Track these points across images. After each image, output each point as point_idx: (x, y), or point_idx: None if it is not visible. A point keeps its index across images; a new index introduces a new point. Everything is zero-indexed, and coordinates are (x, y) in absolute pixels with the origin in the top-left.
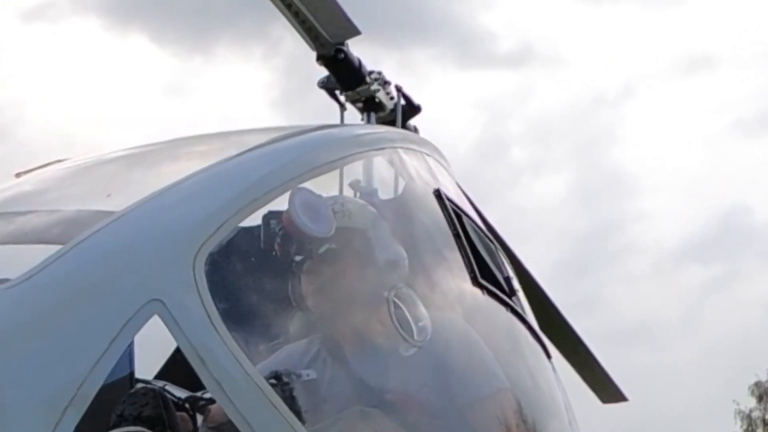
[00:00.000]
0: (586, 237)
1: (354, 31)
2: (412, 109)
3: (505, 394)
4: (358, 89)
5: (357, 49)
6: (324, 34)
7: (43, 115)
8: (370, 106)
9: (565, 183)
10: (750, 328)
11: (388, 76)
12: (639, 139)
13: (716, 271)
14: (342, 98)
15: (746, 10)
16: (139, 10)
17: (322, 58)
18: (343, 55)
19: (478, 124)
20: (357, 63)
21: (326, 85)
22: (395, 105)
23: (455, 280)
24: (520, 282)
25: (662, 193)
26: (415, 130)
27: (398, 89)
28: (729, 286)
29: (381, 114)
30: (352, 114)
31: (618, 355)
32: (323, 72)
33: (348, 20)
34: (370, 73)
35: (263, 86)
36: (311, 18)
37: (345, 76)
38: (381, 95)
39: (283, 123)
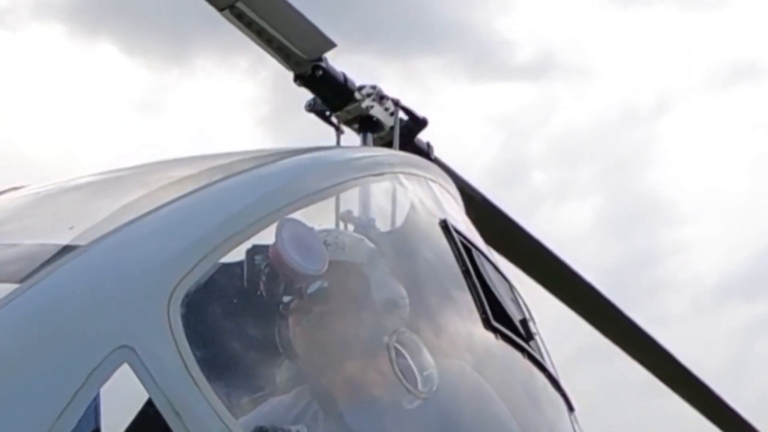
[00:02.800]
0: (617, 271)
1: (329, 44)
2: (416, 123)
3: None
4: (348, 108)
5: (344, 61)
6: (296, 51)
7: (6, 134)
8: (365, 126)
9: (593, 210)
10: None
11: (386, 90)
12: (676, 160)
13: (764, 309)
14: (335, 120)
15: None
16: (106, 14)
17: (299, 78)
18: (321, 72)
19: (494, 144)
20: (342, 78)
21: (314, 108)
22: (394, 122)
23: (465, 322)
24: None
25: (703, 221)
26: (429, 146)
27: (395, 103)
28: None
29: (381, 133)
30: (351, 136)
31: (653, 404)
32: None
33: (320, 33)
34: (361, 88)
35: (249, 102)
36: (277, 35)
37: (329, 95)
38: (377, 112)
39: (271, 145)
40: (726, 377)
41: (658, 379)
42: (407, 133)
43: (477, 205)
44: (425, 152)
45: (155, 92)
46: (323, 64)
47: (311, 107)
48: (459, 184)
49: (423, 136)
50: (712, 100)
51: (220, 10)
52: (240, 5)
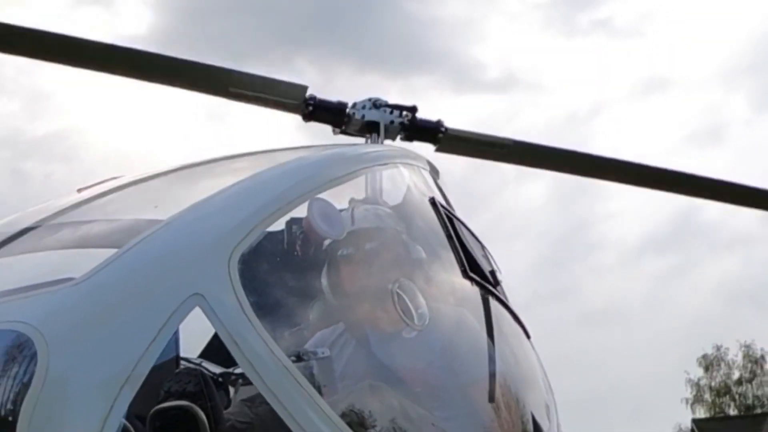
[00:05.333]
0: (564, 234)
1: (302, 88)
2: (410, 111)
3: (493, 368)
4: (348, 123)
5: (359, 80)
6: (286, 101)
7: (103, 139)
8: (367, 130)
9: (546, 189)
10: (699, 310)
11: (391, 99)
12: (606, 151)
13: (672, 261)
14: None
15: (695, 38)
16: (183, 47)
17: (303, 117)
18: (311, 107)
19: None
20: (335, 103)
21: (333, 131)
22: (392, 121)
23: (449, 273)
24: None
25: (626, 196)
26: (439, 122)
27: (376, 104)
28: (682, 274)
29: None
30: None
31: (589, 334)
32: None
33: (292, 84)
34: (355, 104)
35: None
36: (267, 98)
37: (330, 119)
38: (376, 116)
39: (306, 142)
40: (645, 310)
41: (651, 187)
42: (410, 121)
43: (503, 145)
44: (435, 128)
45: (219, 105)
46: (312, 101)
47: (333, 131)
48: (477, 137)
49: (429, 116)
50: (632, 106)
51: (220, 96)
52: (232, 89)
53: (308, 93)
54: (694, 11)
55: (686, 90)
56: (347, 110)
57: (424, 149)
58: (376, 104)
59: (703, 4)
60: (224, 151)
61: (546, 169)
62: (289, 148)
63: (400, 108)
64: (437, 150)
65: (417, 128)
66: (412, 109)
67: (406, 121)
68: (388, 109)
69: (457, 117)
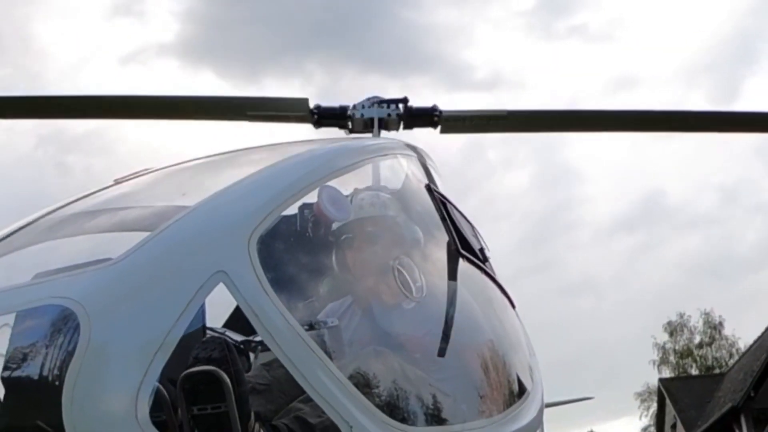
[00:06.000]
0: (545, 215)
1: (302, 101)
2: (402, 102)
3: (482, 334)
4: (353, 124)
5: (363, 81)
6: (294, 115)
7: (136, 135)
8: (371, 126)
9: (528, 176)
10: (664, 282)
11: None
12: (582, 142)
13: (639, 239)
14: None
15: (659, 41)
16: (207, 52)
17: (314, 125)
18: (317, 116)
19: (460, 134)
20: (337, 108)
21: (346, 132)
22: (389, 114)
23: (443, 251)
24: None
25: (599, 182)
26: (435, 107)
27: (372, 103)
28: (649, 250)
29: (382, 124)
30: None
31: (568, 304)
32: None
33: (291, 98)
34: (355, 105)
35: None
36: (279, 114)
37: (336, 123)
38: (374, 113)
39: (316, 137)
40: (616, 283)
41: (657, 130)
42: (405, 111)
43: (497, 117)
44: (430, 112)
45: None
46: (317, 110)
47: (346, 133)
48: (473, 113)
49: (425, 103)
50: (604, 102)
51: (240, 120)
52: (249, 113)
53: (312, 103)
54: (658, 18)
55: (652, 87)
56: (348, 112)
57: (429, 134)
58: (373, 102)
59: (666, 11)
60: (243, 144)
61: (543, 132)
62: (301, 141)
63: (393, 101)
64: (441, 132)
65: (413, 116)
66: (404, 100)
67: (401, 111)
68: (384, 105)
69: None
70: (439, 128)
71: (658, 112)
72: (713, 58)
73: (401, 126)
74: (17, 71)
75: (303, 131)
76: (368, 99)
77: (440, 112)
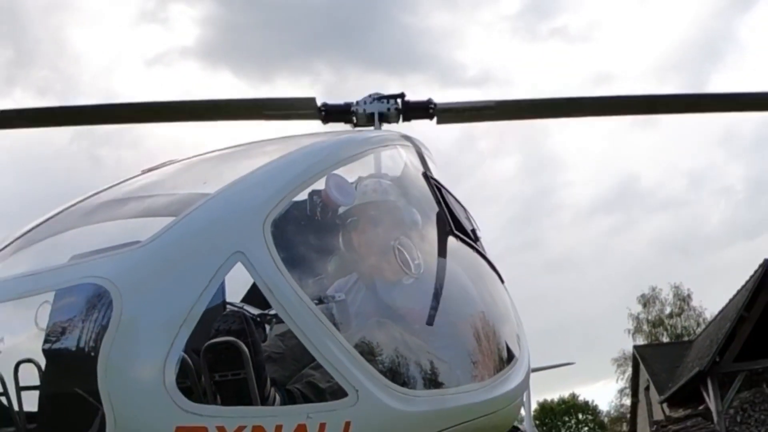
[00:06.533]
0: (531, 199)
1: (310, 100)
2: (400, 97)
3: (474, 306)
4: (356, 118)
5: (368, 79)
6: (305, 113)
7: (162, 130)
8: (372, 120)
9: (515, 164)
10: (638, 258)
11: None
12: (564, 133)
13: (616, 220)
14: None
15: (633, 42)
16: (224, 54)
17: (323, 121)
18: (325, 113)
19: (456, 126)
20: (342, 105)
21: (352, 125)
22: (388, 108)
23: (438, 232)
24: None
25: (579, 168)
26: (430, 100)
27: (373, 99)
28: (624, 230)
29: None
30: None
31: (551, 279)
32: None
33: (299, 98)
34: (357, 102)
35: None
36: (292, 113)
37: (342, 118)
38: (374, 108)
39: (324, 130)
40: (594, 259)
41: (647, 113)
42: (403, 105)
43: (488, 107)
44: (425, 105)
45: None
46: (324, 108)
47: (352, 126)
48: (465, 105)
49: (420, 97)
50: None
51: (257, 119)
52: (266, 112)
53: (319, 101)
54: (632, 20)
55: (627, 83)
56: (352, 108)
57: (426, 125)
58: (373, 98)
59: (639, 15)
60: (258, 137)
61: (528, 119)
62: (310, 134)
63: (391, 97)
64: (438, 122)
65: (410, 109)
66: (401, 95)
67: (399, 105)
68: (383, 100)
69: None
70: (435, 119)
71: (636, 96)
72: (681, 57)
73: (400, 119)
74: (53, 73)
75: (313, 127)
76: (369, 95)
77: (435, 104)
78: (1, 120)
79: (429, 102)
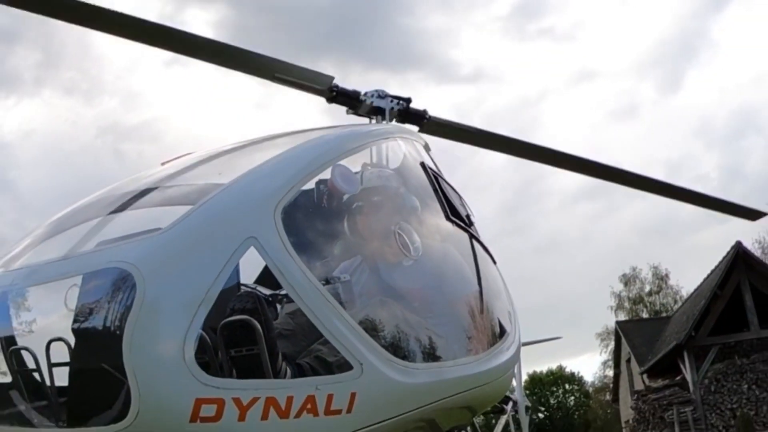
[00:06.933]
0: (521, 187)
1: (329, 77)
2: (405, 101)
3: (469, 286)
4: (360, 107)
5: (369, 76)
6: (317, 87)
7: (180, 125)
8: (374, 113)
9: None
10: (620, 240)
11: (390, 91)
12: (550, 125)
13: (599, 205)
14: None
15: (614, 40)
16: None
17: (328, 100)
18: (335, 93)
19: (450, 119)
20: (352, 91)
21: (348, 111)
22: (392, 107)
23: (435, 217)
24: None
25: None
26: (425, 111)
27: (388, 95)
28: (607, 215)
29: (389, 113)
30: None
31: (539, 260)
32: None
33: (319, 73)
34: (366, 93)
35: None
36: (304, 83)
37: (347, 103)
38: (379, 103)
39: (329, 123)
40: (580, 242)
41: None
42: (405, 108)
43: (470, 132)
44: (422, 115)
45: (265, 97)
46: (336, 88)
47: (347, 111)
48: (452, 125)
49: (419, 106)
50: (569, 92)
51: (265, 78)
52: (277, 75)
53: (333, 82)
54: (613, 21)
55: (608, 79)
56: (360, 97)
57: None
58: (381, 94)
59: (620, 15)
60: (268, 131)
61: (501, 152)
62: (316, 128)
63: (399, 98)
64: (420, 131)
65: (408, 114)
66: (408, 100)
67: (402, 108)
68: (391, 99)
69: (439, 103)
70: (420, 128)
71: (609, 166)
72: (660, 54)
73: (395, 119)
74: (79, 75)
75: (312, 107)
76: (377, 90)
77: (429, 117)
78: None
79: (425, 112)
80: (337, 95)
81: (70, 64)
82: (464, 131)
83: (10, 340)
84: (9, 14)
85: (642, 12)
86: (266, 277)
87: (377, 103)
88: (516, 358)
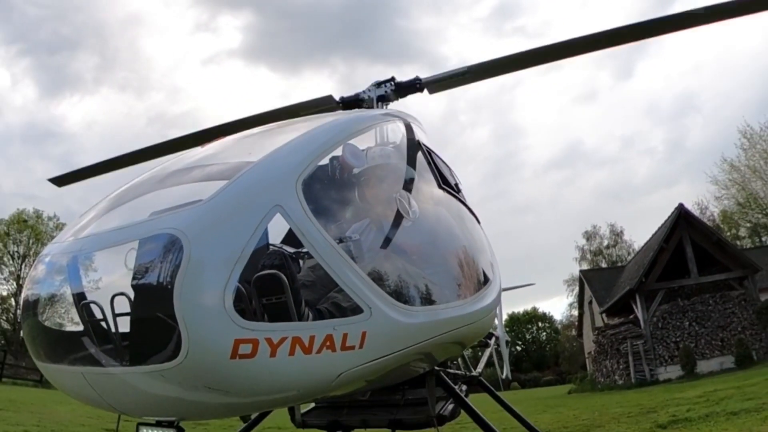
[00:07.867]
0: (500, 158)
1: (329, 97)
2: (390, 80)
3: (458, 242)
4: (365, 103)
5: (374, 69)
6: (325, 108)
7: (216, 113)
8: (377, 102)
9: (487, 132)
10: (583, 203)
11: (380, 78)
12: (525, 107)
13: (566, 174)
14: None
15: (578, 27)
16: (262, 54)
17: (342, 109)
18: (343, 106)
19: (442, 105)
20: (353, 96)
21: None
22: (386, 91)
23: (429, 186)
24: None
25: (538, 135)
26: (418, 78)
27: (373, 85)
28: (572, 182)
29: (384, 99)
30: None
31: (515, 220)
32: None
33: (321, 98)
34: (364, 91)
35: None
36: (314, 111)
37: (354, 105)
38: (378, 92)
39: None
40: (550, 205)
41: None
42: (395, 85)
43: (463, 74)
44: (413, 83)
45: (286, 91)
46: (342, 102)
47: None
48: (443, 75)
49: (407, 78)
50: (539, 80)
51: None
52: (302, 113)
53: (337, 96)
54: (577, 20)
55: (572, 68)
56: (361, 96)
57: (419, 100)
58: (375, 85)
59: (581, 15)
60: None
61: (501, 75)
62: (329, 114)
63: (385, 81)
64: (430, 93)
65: (402, 88)
66: (392, 79)
67: (393, 87)
68: (380, 85)
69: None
70: (425, 91)
71: (598, 33)
72: (615, 47)
73: (397, 97)
74: (131, 74)
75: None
76: (371, 84)
77: (421, 80)
78: (76, 176)
79: (415, 79)
80: (345, 105)
81: (123, 65)
82: (457, 74)
83: (81, 296)
84: (71, 24)
85: (599, 12)
86: (290, 238)
87: (373, 94)
88: (498, 301)
